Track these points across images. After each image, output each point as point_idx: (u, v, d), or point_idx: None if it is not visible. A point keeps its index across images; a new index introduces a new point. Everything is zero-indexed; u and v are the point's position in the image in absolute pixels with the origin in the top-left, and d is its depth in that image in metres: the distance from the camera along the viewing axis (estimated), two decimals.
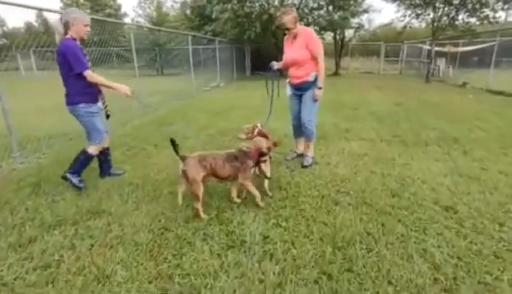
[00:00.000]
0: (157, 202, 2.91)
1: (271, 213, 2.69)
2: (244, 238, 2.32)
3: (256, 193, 2.76)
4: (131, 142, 4.81)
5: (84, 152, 3.15)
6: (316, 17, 15.69)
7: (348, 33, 20.56)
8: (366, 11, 16.76)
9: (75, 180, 3.10)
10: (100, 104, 3.18)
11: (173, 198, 2.92)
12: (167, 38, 20.77)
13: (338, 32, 17.86)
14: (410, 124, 5.72)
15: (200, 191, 2.54)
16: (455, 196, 2.98)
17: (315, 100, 3.58)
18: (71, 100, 2.98)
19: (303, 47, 3.40)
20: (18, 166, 3.94)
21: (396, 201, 2.90)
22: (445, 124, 5.71)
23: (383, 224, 2.50)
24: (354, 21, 17.42)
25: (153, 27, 21.75)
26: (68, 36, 2.88)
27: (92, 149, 3.16)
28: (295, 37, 3.49)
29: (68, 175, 3.08)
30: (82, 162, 3.14)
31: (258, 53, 18.98)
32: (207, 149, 4.09)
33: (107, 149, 3.43)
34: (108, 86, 3.00)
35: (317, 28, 16.20)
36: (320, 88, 3.51)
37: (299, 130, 3.91)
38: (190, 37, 10.37)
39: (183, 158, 2.56)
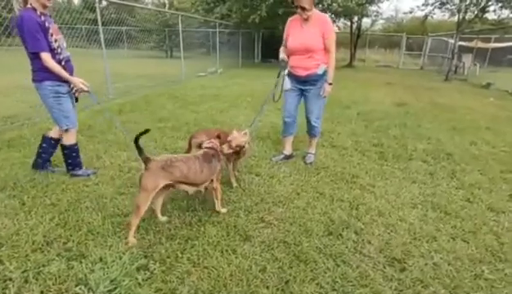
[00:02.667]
0: None
1: (146, 247, 2.02)
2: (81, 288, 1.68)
3: (219, 198, 2.44)
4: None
5: (63, 147, 2.87)
6: (330, 2, 14.41)
7: (367, 22, 19.07)
8: None
9: (80, 172, 2.95)
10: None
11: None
12: (176, 20, 20.09)
13: (354, 20, 16.49)
14: (401, 131, 4.82)
15: (146, 205, 1.99)
16: (414, 242, 2.19)
17: (324, 97, 3.19)
18: (36, 77, 2.60)
19: (319, 35, 2.96)
20: None
21: (328, 242, 2.15)
22: (444, 133, 4.77)
23: (292, 278, 1.78)
24: (372, 9, 15.99)
25: (125, 3, 21.15)
26: (28, 5, 2.46)
27: (66, 139, 2.84)
28: (306, 20, 2.99)
29: (72, 173, 2.93)
30: (68, 156, 2.89)
31: (271, 38, 17.90)
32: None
33: (58, 140, 2.94)
34: (62, 77, 2.59)
35: (332, 15, 14.97)
36: (330, 84, 3.12)
37: (291, 128, 3.51)
38: (180, 18, 9.62)
39: (146, 161, 1.99)
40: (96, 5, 5.88)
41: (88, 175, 2.93)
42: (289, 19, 3.19)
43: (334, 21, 15.90)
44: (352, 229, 2.31)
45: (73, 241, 2.04)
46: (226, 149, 2.48)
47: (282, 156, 3.56)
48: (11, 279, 1.71)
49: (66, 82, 2.66)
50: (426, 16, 12.88)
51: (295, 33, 3.09)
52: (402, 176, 3.25)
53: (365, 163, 3.54)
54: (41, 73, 2.57)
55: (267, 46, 18.64)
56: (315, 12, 3.00)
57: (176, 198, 2.59)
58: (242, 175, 3.13)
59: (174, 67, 10.83)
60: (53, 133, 2.92)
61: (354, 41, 18.01)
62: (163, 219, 2.29)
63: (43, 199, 2.51)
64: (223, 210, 2.46)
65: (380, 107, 6.57)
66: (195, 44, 21.22)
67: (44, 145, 2.92)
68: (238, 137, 2.51)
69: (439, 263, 1.99)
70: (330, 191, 2.87)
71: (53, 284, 1.70)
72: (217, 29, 12.51)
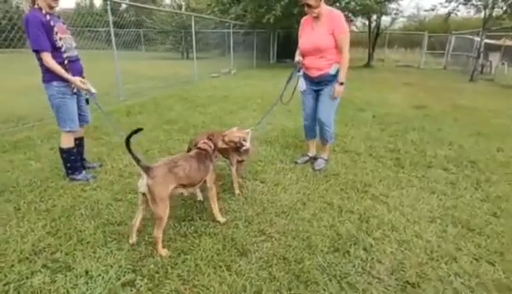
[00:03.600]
0: None
1: (136, 260, 1.89)
2: None
3: (216, 201, 2.30)
4: None
5: (60, 150, 2.82)
6: (347, 0, 14.02)
7: (386, 20, 18.45)
8: None
9: (79, 176, 2.89)
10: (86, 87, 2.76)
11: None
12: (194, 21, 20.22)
13: (373, 18, 15.98)
14: (420, 135, 4.52)
15: (167, 213, 1.92)
16: (431, 263, 1.96)
17: (334, 98, 3.00)
18: (44, 78, 2.61)
19: (328, 33, 2.82)
20: None
21: (333, 260, 1.95)
22: (468, 139, 4.42)
23: None
24: (391, 6, 15.42)
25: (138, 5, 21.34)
26: (35, 6, 2.48)
27: (64, 142, 2.79)
28: (317, 18, 2.87)
29: (71, 177, 2.87)
30: (66, 160, 2.84)
31: (287, 38, 17.64)
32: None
33: (81, 139, 3.03)
34: (61, 76, 2.57)
35: (349, 14, 14.58)
36: (341, 84, 2.94)
37: (313, 131, 3.42)
38: (193, 18, 9.58)
39: (147, 169, 1.85)
40: (108, 7, 5.88)
41: (87, 179, 2.86)
42: (302, 19, 3.07)
43: (351, 20, 15.48)
44: (361, 245, 2.10)
45: (61, 251, 1.95)
46: (220, 143, 2.39)
47: (307, 158, 3.47)
48: None
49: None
50: (449, 14, 12.27)
51: (306, 34, 3.01)
52: (420, 186, 2.99)
53: (379, 170, 3.30)
54: (49, 73, 2.57)
55: (282, 47, 18.42)
56: (325, 9, 2.84)
57: (173, 206, 2.46)
58: (246, 181, 2.97)
59: (188, 68, 10.80)
60: (77, 134, 2.97)
61: (372, 40, 17.46)
62: (134, 240, 2.06)
63: (39, 204, 2.45)
64: (222, 219, 2.31)
65: (397, 109, 6.23)
66: (210, 45, 21.30)
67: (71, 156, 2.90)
68: (232, 132, 2.42)
69: (460, 289, 1.75)
70: (339, 201, 2.66)
71: None
72: (232, 30, 12.41)
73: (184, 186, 2.08)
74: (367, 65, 16.93)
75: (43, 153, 3.43)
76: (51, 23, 2.49)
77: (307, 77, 3.13)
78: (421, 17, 24.48)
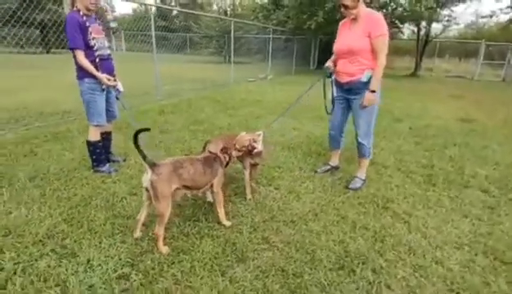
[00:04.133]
0: None
1: (136, 255, 1.91)
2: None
3: (222, 206, 2.27)
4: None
5: (87, 143, 3.00)
6: (394, 6, 13.38)
7: (437, 27, 17.25)
8: (461, 0, 13.49)
9: (103, 169, 3.03)
10: (117, 84, 3.01)
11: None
12: (236, 26, 20.73)
13: (422, 25, 15.05)
14: (461, 151, 4.11)
15: (169, 210, 1.94)
16: None
17: (363, 106, 2.70)
18: (78, 75, 2.81)
19: (364, 35, 2.58)
20: None
21: (335, 278, 1.82)
22: None
23: None
24: (444, 13, 14.39)
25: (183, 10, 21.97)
26: (74, 8, 2.71)
27: (91, 135, 2.97)
28: (355, 20, 2.66)
29: (95, 169, 3.04)
30: (92, 152, 3.01)
31: (329, 45, 17.30)
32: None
33: (108, 133, 3.22)
34: (91, 73, 2.75)
35: (396, 21, 13.91)
36: (373, 91, 2.63)
37: (337, 142, 3.23)
38: (232, 24, 9.77)
39: (152, 166, 1.93)
40: (151, 14, 6.21)
41: (110, 172, 3.01)
42: (341, 22, 2.88)
43: (397, 27, 14.74)
44: (370, 265, 1.93)
45: (71, 238, 2.05)
46: (234, 153, 2.34)
47: (328, 167, 3.32)
48: (2, 269, 1.75)
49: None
50: (511, 21, 11.11)
51: (342, 35, 2.81)
52: (451, 207, 2.70)
53: (405, 186, 3.04)
54: (81, 71, 2.76)
55: (324, 53, 18.06)
56: (364, 11, 2.62)
57: (182, 206, 2.48)
58: (260, 186, 2.92)
59: (227, 72, 11.00)
60: (106, 128, 3.15)
61: (421, 48, 16.46)
62: (139, 235, 2.11)
63: (62, 192, 2.61)
64: (227, 223, 2.28)
65: (439, 122, 5.75)
66: (252, 50, 21.63)
67: (105, 143, 3.15)
68: (242, 137, 2.37)
69: None
70: (355, 216, 2.49)
71: (36, 281, 1.68)
72: (271, 36, 12.45)
73: (188, 188, 2.09)
74: (413, 75, 15.98)
75: (77, 145, 3.68)
76: (87, 24, 2.69)
77: (337, 83, 2.94)
78: (480, 24, 22.53)
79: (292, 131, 4.76)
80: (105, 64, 2.87)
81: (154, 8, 6.19)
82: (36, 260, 1.84)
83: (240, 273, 1.82)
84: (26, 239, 2.01)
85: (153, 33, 6.33)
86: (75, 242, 2.02)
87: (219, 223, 2.28)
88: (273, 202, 2.65)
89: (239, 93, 8.30)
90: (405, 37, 19.31)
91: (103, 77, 2.77)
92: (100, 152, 3.01)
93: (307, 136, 4.51)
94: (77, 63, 2.75)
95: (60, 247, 1.96)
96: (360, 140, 2.90)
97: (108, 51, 2.94)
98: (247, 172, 2.67)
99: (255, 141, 2.39)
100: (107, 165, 3.07)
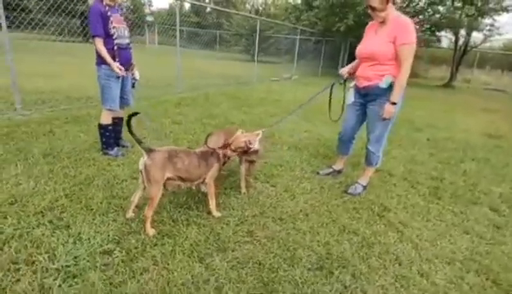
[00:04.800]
0: None
1: (124, 233, 2.01)
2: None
3: (213, 197, 2.33)
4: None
5: (99, 126, 3.17)
6: (431, 12, 12.80)
7: (478, 37, 16.26)
8: (505, 10, 12.61)
9: (111, 152, 3.19)
10: (134, 72, 3.26)
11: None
12: (266, 26, 20.79)
13: (461, 34, 14.28)
14: (478, 167, 3.89)
15: (159, 195, 2.02)
16: None
17: (383, 119, 2.56)
18: (96, 61, 3.00)
19: (389, 40, 2.42)
20: None
21: (311, 278, 1.81)
22: None
23: None
24: (486, 22, 13.55)
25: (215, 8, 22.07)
26: None
27: (103, 118, 3.13)
28: (383, 24, 2.51)
29: (104, 151, 3.20)
30: (102, 135, 3.18)
31: None
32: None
33: (120, 119, 3.35)
34: (105, 59, 2.91)
35: (431, 28, 13.30)
36: (393, 104, 2.47)
37: (346, 148, 3.12)
38: (258, 22, 9.81)
39: (148, 151, 2.01)
40: (177, 9, 6.41)
41: (117, 155, 3.16)
42: (368, 24, 2.73)
43: (433, 34, 14.09)
44: (350, 270, 1.90)
45: (68, 212, 2.19)
46: (229, 153, 2.38)
47: (330, 170, 3.26)
48: (2, 233, 1.92)
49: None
50: None
51: (367, 38, 2.68)
52: (452, 222, 2.57)
53: (408, 196, 2.94)
54: (100, 57, 2.94)
55: (353, 56, 17.64)
56: (393, 14, 2.45)
57: (176, 193, 2.56)
58: (257, 182, 2.94)
59: (252, 70, 11.07)
60: (119, 114, 3.28)
61: (458, 58, 15.62)
62: (131, 215, 2.20)
63: (69, 170, 2.79)
64: (217, 214, 2.33)
65: (462, 135, 5.45)
66: (282, 50, 21.61)
67: (118, 128, 3.34)
68: (238, 138, 2.37)
69: None
70: (347, 220, 2.45)
71: (30, 247, 1.83)
72: (298, 36, 12.37)
73: (181, 179, 2.15)
74: (447, 85, 15.21)
75: (93, 129, 3.87)
76: (109, 13, 2.86)
77: (356, 88, 2.78)
78: None
79: (302, 132, 4.73)
80: (123, 53, 3.02)
81: (179, 3, 6.32)
82: (33, 228, 1.99)
83: (218, 262, 1.86)
84: (28, 209, 2.17)
85: (177, 28, 6.54)
86: (71, 216, 2.15)
87: (209, 213, 2.33)
88: (267, 198, 2.67)
89: (259, 91, 8.34)
90: (443, 45, 18.44)
91: (115, 65, 2.91)
92: (109, 135, 3.17)
93: (316, 138, 4.47)
94: (96, 50, 2.92)
95: (56, 219, 2.10)
96: (370, 147, 2.78)
97: (127, 41, 3.09)
98: (242, 167, 2.71)
99: (251, 143, 2.40)
100: (115, 149, 3.23)
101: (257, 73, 10.04)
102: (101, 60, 2.95)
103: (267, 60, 23.39)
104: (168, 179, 2.08)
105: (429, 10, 12.92)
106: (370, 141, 2.77)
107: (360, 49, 2.68)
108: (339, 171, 3.28)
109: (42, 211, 2.17)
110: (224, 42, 26.98)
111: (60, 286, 1.59)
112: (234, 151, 2.39)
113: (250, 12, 22.92)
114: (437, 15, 12.83)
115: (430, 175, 3.48)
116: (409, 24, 2.39)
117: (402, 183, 3.24)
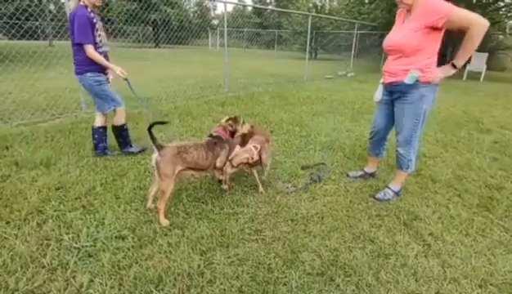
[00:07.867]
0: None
1: (141, 222, 2.19)
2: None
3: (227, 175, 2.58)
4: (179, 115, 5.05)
5: (115, 128, 3.25)
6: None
7: None
8: None
9: (132, 149, 3.35)
10: (109, 75, 3.10)
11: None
12: (326, 22, 20.19)
13: None
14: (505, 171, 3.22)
15: (170, 189, 2.18)
16: None
17: (416, 113, 2.34)
18: (78, 70, 2.93)
19: (416, 29, 2.15)
20: None
21: (309, 283, 1.73)
22: None
23: None
24: None
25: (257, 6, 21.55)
26: (81, 3, 2.80)
27: (117, 119, 3.20)
28: (409, 12, 2.29)
29: (125, 151, 3.33)
30: (120, 135, 3.27)
31: None
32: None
33: (104, 128, 3.29)
34: (104, 65, 2.92)
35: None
36: (454, 67, 2.17)
37: (377, 148, 2.91)
38: (309, 18, 9.54)
39: (159, 147, 2.18)
40: (224, 12, 6.64)
41: (139, 151, 3.37)
42: (398, 12, 2.49)
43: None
44: (355, 280, 1.77)
45: (99, 199, 2.46)
46: (229, 169, 2.45)
47: (361, 173, 3.07)
48: (43, 213, 2.25)
49: (101, 72, 2.97)
50: None
51: (394, 29, 2.44)
52: (499, 239, 2.19)
53: (449, 206, 2.59)
54: (83, 65, 2.87)
55: None
56: (421, 1, 2.17)
57: (196, 188, 2.68)
58: (278, 181, 2.91)
59: (307, 67, 10.86)
60: (99, 122, 3.22)
61: None
62: (151, 206, 2.36)
63: (110, 162, 3.13)
64: (225, 186, 2.66)
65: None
66: (342, 47, 20.81)
67: (96, 136, 3.23)
68: (238, 156, 2.43)
69: None
70: (365, 226, 2.27)
71: (62, 227, 2.12)
72: (355, 31, 11.73)
73: (193, 169, 2.33)
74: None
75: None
76: (94, 20, 2.80)
77: (383, 84, 2.59)
78: None
79: (344, 132, 4.50)
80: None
81: (227, 5, 6.52)
82: (70, 211, 2.30)
83: (218, 258, 1.91)
84: (70, 194, 2.51)
85: (225, 30, 6.75)
86: (101, 203, 2.42)
87: (222, 209, 2.40)
88: (283, 197, 2.62)
89: (306, 90, 8.16)
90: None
91: (118, 69, 2.92)
92: (126, 134, 3.31)
93: (356, 139, 4.21)
94: (78, 58, 2.85)
95: (88, 205, 2.39)
96: (398, 148, 2.54)
97: (106, 48, 3.01)
98: (254, 171, 2.71)
99: (253, 158, 2.46)
100: (133, 146, 3.39)
101: (308, 71, 9.82)
102: (83, 69, 2.88)
103: (326, 57, 22.74)
104: (180, 171, 2.23)
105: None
106: (398, 142, 2.52)
107: (386, 41, 2.43)
108: (372, 175, 3.05)
109: (79, 197, 2.48)
110: (283, 41, 27.02)
111: (75, 263, 1.81)
112: (236, 167, 2.44)
113: (310, 10, 22.44)
114: None
115: (485, 183, 3.01)
116: (435, 2, 2.07)
117: (446, 190, 2.86)
